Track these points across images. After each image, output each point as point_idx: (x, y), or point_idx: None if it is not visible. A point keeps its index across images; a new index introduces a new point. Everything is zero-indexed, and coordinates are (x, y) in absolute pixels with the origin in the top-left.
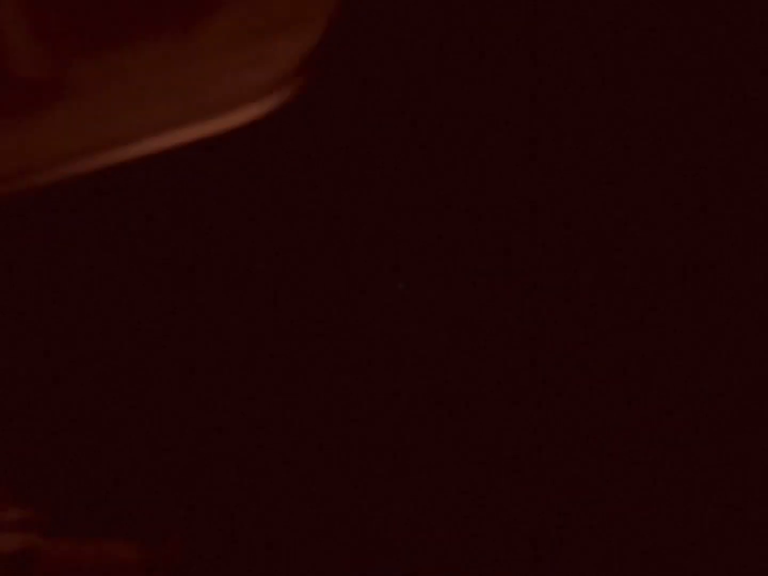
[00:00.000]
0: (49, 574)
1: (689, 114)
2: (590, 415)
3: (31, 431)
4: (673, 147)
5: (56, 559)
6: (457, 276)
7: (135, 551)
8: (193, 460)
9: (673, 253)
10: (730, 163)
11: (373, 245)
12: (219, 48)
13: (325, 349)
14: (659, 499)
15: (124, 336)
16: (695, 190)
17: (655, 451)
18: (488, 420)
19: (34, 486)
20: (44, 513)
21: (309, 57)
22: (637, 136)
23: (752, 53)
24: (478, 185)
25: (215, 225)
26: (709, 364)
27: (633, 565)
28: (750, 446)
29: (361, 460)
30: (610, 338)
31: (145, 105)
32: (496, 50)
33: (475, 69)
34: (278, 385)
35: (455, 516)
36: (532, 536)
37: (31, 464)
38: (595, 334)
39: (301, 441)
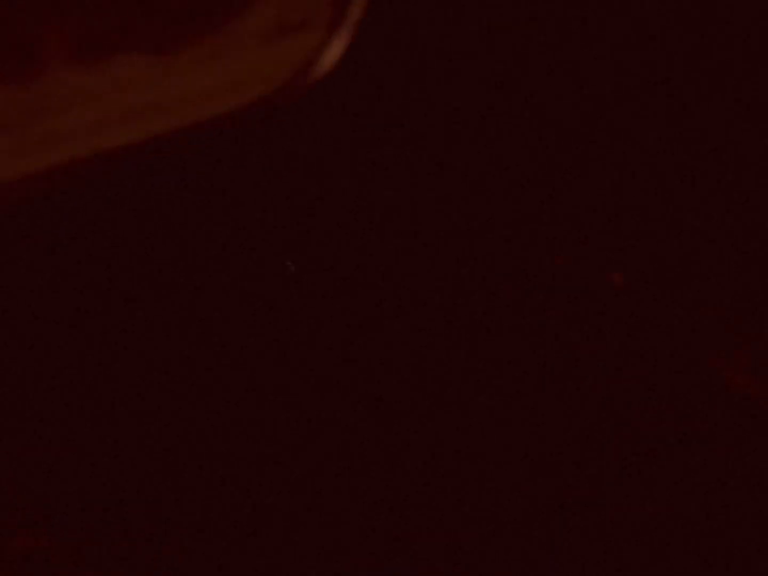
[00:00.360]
0: None
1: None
2: (589, 415)
3: (32, 456)
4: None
5: None
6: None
7: None
8: (191, 469)
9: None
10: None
11: (376, 243)
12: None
13: (327, 345)
14: (658, 499)
15: (124, 349)
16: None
17: (654, 451)
18: (487, 419)
19: (39, 513)
20: (50, 541)
21: (317, 57)
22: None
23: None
24: (486, 184)
25: (212, 223)
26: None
27: (632, 565)
28: (748, 447)
29: (361, 461)
30: (606, 337)
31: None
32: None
33: (482, 66)
34: (279, 385)
35: (455, 516)
36: (532, 536)
37: (34, 492)
38: (593, 334)
39: (300, 442)
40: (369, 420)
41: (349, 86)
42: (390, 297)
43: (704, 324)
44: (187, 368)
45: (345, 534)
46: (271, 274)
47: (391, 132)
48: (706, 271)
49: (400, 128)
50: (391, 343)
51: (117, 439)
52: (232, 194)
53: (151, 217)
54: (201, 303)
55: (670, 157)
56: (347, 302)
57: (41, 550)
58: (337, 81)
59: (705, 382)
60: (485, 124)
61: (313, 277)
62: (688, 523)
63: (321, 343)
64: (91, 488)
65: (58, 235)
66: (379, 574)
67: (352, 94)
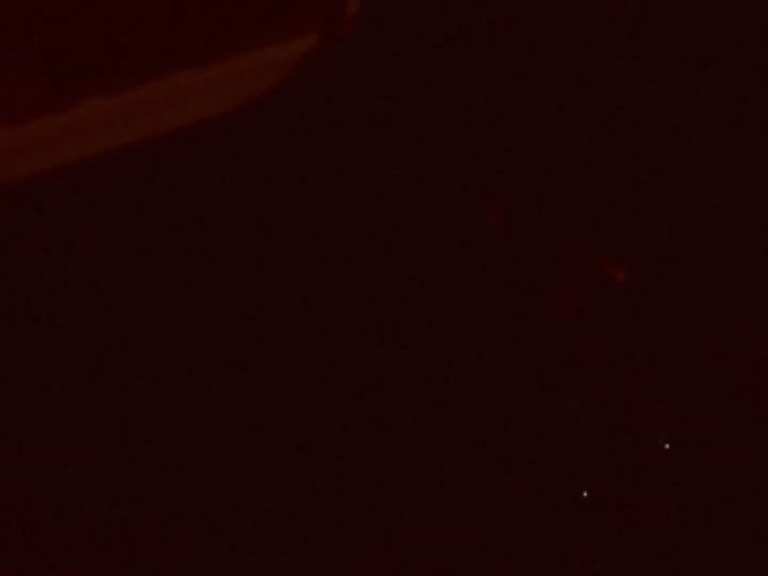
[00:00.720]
0: None
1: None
2: (589, 413)
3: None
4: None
5: None
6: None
7: None
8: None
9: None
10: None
11: (373, 242)
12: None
13: (325, 344)
14: (659, 499)
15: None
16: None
17: (653, 450)
18: (487, 417)
19: (39, 513)
20: (50, 541)
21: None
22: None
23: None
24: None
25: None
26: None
27: (631, 566)
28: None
29: (360, 461)
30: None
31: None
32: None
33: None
34: (278, 386)
35: (455, 517)
36: (533, 537)
37: (34, 492)
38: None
39: (300, 443)
40: (369, 420)
41: (344, 85)
42: (387, 296)
43: (702, 322)
44: (187, 368)
45: (345, 534)
46: (273, 273)
47: (388, 129)
48: (706, 269)
49: (396, 125)
50: (389, 342)
51: (117, 438)
52: (235, 189)
53: (149, 214)
54: (199, 301)
55: (670, 156)
56: (348, 300)
57: (41, 550)
58: (333, 79)
59: (704, 380)
60: (485, 120)
61: (317, 274)
62: (686, 524)
63: (319, 341)
64: (91, 488)
65: (56, 232)
66: (379, 574)
67: (349, 91)
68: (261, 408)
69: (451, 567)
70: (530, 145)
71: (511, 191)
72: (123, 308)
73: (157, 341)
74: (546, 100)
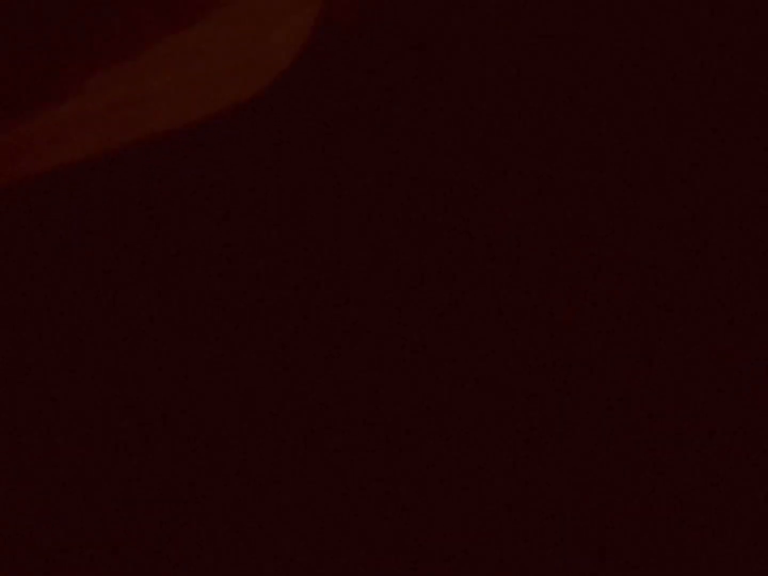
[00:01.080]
0: None
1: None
2: (590, 415)
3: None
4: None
5: None
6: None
7: None
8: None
9: (672, 255)
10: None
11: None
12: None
13: (323, 345)
14: (659, 499)
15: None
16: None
17: (655, 451)
18: (485, 419)
19: (39, 513)
20: (50, 541)
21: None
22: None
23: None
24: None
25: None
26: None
27: (632, 566)
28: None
29: (361, 461)
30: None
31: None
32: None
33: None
34: (276, 385)
35: (455, 517)
36: (533, 537)
37: (34, 492)
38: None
39: (299, 443)
40: (368, 420)
41: (344, 77)
42: (384, 295)
43: (694, 326)
44: (186, 368)
45: (345, 534)
46: (265, 273)
47: (388, 124)
48: (701, 274)
49: (395, 121)
50: (387, 343)
51: (117, 438)
52: (227, 189)
53: (145, 213)
54: (196, 301)
55: (667, 161)
56: (343, 300)
57: (41, 550)
58: (333, 71)
59: (702, 381)
60: (483, 121)
61: (310, 272)
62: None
63: (317, 342)
64: (91, 488)
65: (50, 232)
66: (378, 574)
67: (348, 84)
68: (261, 408)
69: (451, 567)
70: (530, 150)
71: (510, 198)
72: (121, 310)
73: (156, 343)
74: (545, 104)
